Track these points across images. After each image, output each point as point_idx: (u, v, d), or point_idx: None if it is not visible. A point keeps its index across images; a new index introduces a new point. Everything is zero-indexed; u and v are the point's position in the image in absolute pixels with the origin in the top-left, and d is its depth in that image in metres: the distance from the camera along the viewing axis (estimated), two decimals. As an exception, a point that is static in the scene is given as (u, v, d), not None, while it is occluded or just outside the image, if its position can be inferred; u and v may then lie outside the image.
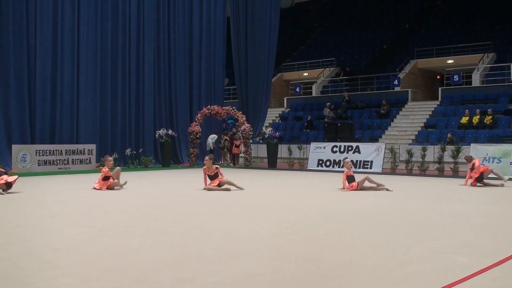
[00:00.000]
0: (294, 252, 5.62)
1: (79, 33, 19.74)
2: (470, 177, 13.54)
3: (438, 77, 32.56)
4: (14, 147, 17.29)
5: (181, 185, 13.66)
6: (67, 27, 19.38)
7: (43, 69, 18.75)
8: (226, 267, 4.96)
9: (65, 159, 18.54)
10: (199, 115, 22.31)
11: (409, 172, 17.92)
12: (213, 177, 12.19)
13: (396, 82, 28.11)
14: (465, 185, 13.50)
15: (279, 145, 22.48)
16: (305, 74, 35.02)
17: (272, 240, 6.30)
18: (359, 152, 19.26)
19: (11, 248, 5.79)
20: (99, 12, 20.36)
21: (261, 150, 24.64)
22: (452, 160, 17.54)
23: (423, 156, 17.93)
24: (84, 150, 19.15)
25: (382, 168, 18.55)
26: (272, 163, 21.47)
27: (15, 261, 5.17)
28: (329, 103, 28.20)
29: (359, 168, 18.93)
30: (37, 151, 17.77)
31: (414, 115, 26.02)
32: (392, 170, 18.40)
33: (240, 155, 22.69)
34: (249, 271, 4.85)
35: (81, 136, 19.78)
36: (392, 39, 35.86)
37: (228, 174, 18.28)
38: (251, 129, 22.28)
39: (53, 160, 18.13)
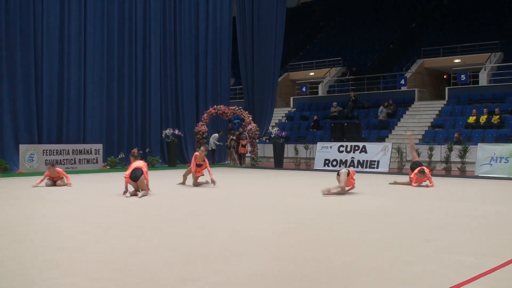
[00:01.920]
0: (299, 252, 5.62)
1: (86, 33, 19.79)
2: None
3: (445, 76, 32.42)
4: (22, 147, 17.37)
5: (186, 184, 13.64)
6: (74, 27, 19.43)
7: (50, 70, 18.82)
8: (232, 267, 4.96)
9: (72, 159, 18.60)
10: (205, 115, 22.32)
11: (416, 172, 17.83)
12: (200, 165, 12.96)
13: (402, 81, 28.02)
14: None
15: (286, 145, 22.46)
16: (311, 73, 34.97)
17: (277, 239, 6.30)
18: (365, 151, 19.22)
19: (16, 247, 5.81)
20: (106, 12, 20.40)
21: (267, 150, 24.63)
22: (459, 160, 17.47)
23: (430, 156, 17.87)
24: (91, 150, 19.21)
25: (389, 168, 18.51)
26: (278, 163, 21.46)
27: (20, 260, 5.20)
28: (335, 103, 28.15)
29: (366, 168, 18.90)
30: (44, 151, 17.84)
31: (421, 114, 25.93)
32: (399, 170, 18.33)
33: (247, 154, 22.70)
34: (255, 270, 4.85)
35: (88, 136, 19.84)
36: (398, 39, 35.74)
37: (234, 173, 18.34)
38: (258, 128, 22.27)
39: (60, 159, 18.19)
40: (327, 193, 11.07)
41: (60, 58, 19.13)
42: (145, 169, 11.02)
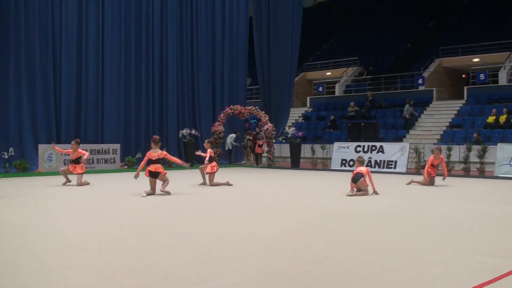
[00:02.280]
0: (315, 252, 5.58)
1: (104, 33, 19.96)
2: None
3: (463, 75, 32.06)
4: (41, 146, 17.56)
5: (202, 184, 13.66)
6: (92, 28, 19.61)
7: (68, 70, 19.01)
8: (247, 267, 4.95)
9: (90, 159, 18.74)
10: (222, 115, 22.35)
11: (434, 172, 17.65)
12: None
13: (420, 81, 27.76)
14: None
15: (302, 145, 22.41)
16: (328, 73, 34.84)
17: (293, 239, 6.27)
18: (383, 152, 19.09)
19: (35, 246, 5.87)
20: (123, 13, 20.55)
21: (284, 150, 24.58)
22: (478, 160, 17.26)
23: (449, 156, 17.67)
24: (108, 150, 19.36)
25: (407, 168, 18.35)
26: (295, 163, 21.41)
27: (39, 259, 5.24)
28: (352, 103, 28.00)
29: (383, 168, 18.77)
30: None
31: (439, 114, 25.66)
32: (416, 170, 18.17)
33: (263, 154, 22.68)
34: (270, 270, 4.83)
35: (106, 136, 20.00)
36: (416, 38, 35.44)
37: (251, 173, 18.34)
38: (274, 128, 22.24)
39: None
40: (352, 194, 11.01)
41: (78, 58, 19.31)
42: (164, 156, 11.35)
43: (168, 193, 10.93)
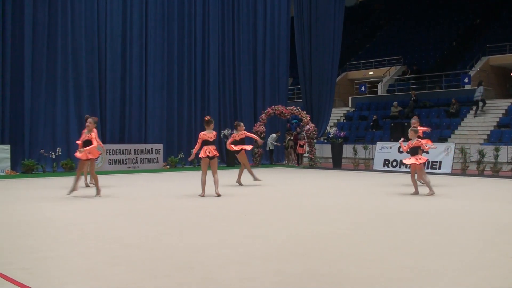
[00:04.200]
0: (358, 253, 5.52)
1: (147, 35, 20.32)
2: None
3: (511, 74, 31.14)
4: (87, 146, 18.00)
5: (244, 184, 13.71)
6: (136, 31, 20.01)
7: (113, 72, 19.44)
8: (291, 267, 4.94)
9: (133, 158, 19.12)
10: (263, 115, 22.39)
11: (481, 173, 17.22)
12: (239, 142, 12.93)
13: (466, 80, 27.10)
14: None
15: (344, 145, 22.21)
16: (371, 73, 34.42)
17: (337, 240, 6.23)
18: (427, 152, 18.66)
19: (84, 243, 6.02)
20: (166, 15, 20.87)
21: (325, 150, 24.43)
22: (527, 160, 16.74)
23: (496, 157, 17.18)
24: (152, 150, 19.68)
25: (452, 169, 17.94)
26: (336, 163, 21.25)
27: (88, 256, 5.38)
28: (395, 103, 27.59)
29: (427, 168, 18.38)
30: (108, 151, 18.43)
31: (486, 114, 24.99)
32: (462, 171, 17.76)
33: (305, 155, 22.60)
34: (314, 271, 4.80)
35: (149, 136, 20.35)
36: (462, 35, 34.60)
37: (292, 174, 18.31)
38: (316, 129, 22.13)
39: (122, 159, 18.74)
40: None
41: (123, 60, 19.73)
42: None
43: (219, 195, 10.60)
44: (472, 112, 25.33)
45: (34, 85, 17.54)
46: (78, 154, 10.57)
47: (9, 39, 17.06)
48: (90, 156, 10.57)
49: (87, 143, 10.55)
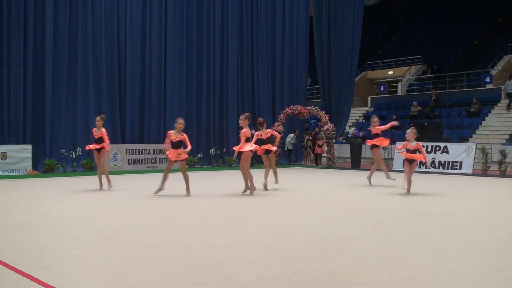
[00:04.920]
0: (379, 254, 5.48)
1: (166, 36, 20.42)
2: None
3: (534, 73, 30.63)
4: (106, 146, 18.17)
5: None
6: (155, 32, 20.12)
7: (132, 72, 19.57)
8: (310, 267, 4.92)
9: (152, 158, 19.23)
10: (282, 115, 22.35)
11: (502, 174, 16.98)
12: (265, 141, 12.39)
13: (488, 79, 26.73)
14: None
15: (363, 145, 22.06)
16: (390, 72, 34.15)
17: (356, 241, 6.19)
18: (447, 152, 18.51)
19: (104, 242, 6.07)
20: (185, 15, 20.94)
21: (344, 150, 24.30)
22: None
23: (517, 157, 16.94)
24: (170, 150, 19.73)
25: (473, 169, 17.72)
26: (355, 163, 21.12)
27: (107, 255, 5.42)
28: (415, 102, 27.34)
29: (448, 169, 18.22)
30: (127, 151, 18.57)
31: (508, 114, 24.62)
32: (483, 171, 17.53)
33: (323, 155, 22.52)
34: (333, 272, 4.78)
35: (168, 136, 20.42)
36: (483, 34, 34.14)
37: (311, 174, 18.26)
38: (334, 128, 22.04)
39: (141, 159, 18.87)
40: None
41: (142, 61, 19.85)
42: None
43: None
44: (493, 111, 24.98)
45: (55, 86, 17.75)
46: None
47: (31, 40, 17.28)
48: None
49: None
